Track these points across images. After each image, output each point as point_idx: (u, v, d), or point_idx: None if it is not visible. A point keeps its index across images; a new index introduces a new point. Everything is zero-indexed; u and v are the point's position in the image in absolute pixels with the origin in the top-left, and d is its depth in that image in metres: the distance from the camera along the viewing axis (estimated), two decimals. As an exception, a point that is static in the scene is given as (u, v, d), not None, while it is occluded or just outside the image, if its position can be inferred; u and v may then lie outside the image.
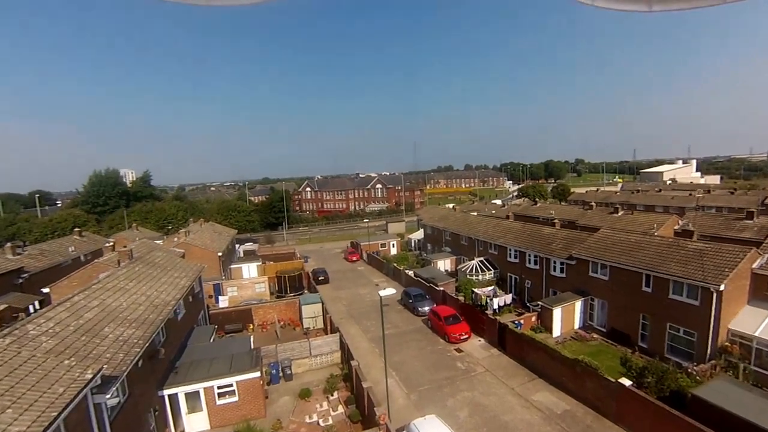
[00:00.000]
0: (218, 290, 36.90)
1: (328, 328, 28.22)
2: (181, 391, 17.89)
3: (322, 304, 30.30)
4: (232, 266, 46.14)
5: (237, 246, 60.81)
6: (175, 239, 43.84)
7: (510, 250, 37.50)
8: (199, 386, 18.06)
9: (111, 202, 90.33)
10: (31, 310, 23.74)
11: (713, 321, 20.15)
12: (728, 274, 20.01)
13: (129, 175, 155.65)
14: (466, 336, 27.40)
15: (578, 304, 28.90)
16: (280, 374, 22.63)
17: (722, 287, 19.69)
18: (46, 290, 27.48)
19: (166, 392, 17.61)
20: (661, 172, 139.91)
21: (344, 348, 23.62)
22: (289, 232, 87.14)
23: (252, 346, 22.00)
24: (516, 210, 65.63)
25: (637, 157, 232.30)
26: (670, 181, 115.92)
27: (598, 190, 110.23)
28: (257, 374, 18.79)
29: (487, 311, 29.86)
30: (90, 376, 10.93)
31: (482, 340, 27.60)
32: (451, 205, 76.47)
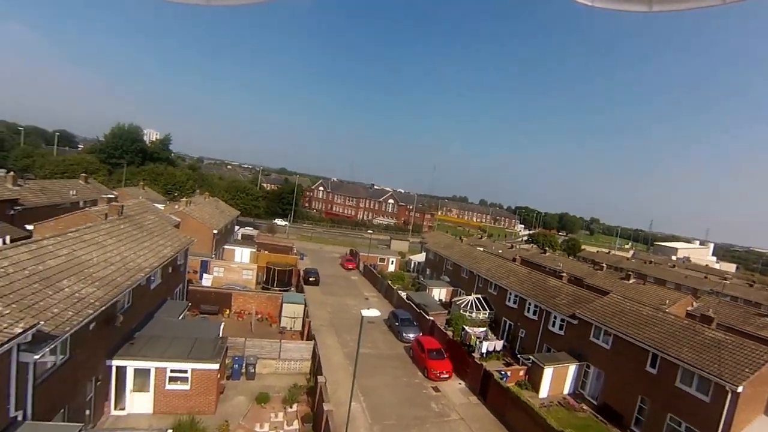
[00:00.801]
0: (205, 267, 35.56)
1: (305, 333, 26.56)
2: (130, 365, 16.39)
3: (305, 306, 28.69)
4: (225, 246, 44.93)
5: (237, 228, 59.76)
6: (176, 207, 42.86)
7: (510, 294, 35.68)
8: (151, 364, 16.55)
9: (127, 157, 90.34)
10: None
11: (723, 424, 18.06)
12: (749, 375, 18.00)
13: (152, 136, 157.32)
14: (447, 375, 25.47)
15: (572, 368, 26.89)
16: (243, 371, 20.99)
17: (740, 388, 17.67)
18: (30, 227, 26.41)
19: (115, 363, 16.13)
20: (676, 249, 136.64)
21: (316, 358, 21.93)
22: (293, 226, 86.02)
23: (220, 334, 20.46)
24: (524, 255, 63.59)
25: (653, 229, 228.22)
26: (683, 260, 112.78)
27: (609, 252, 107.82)
28: (215, 366, 17.22)
29: (474, 353, 28.00)
30: (19, 331, 9.53)
31: (463, 383, 25.63)
32: (454, 236, 74.90)
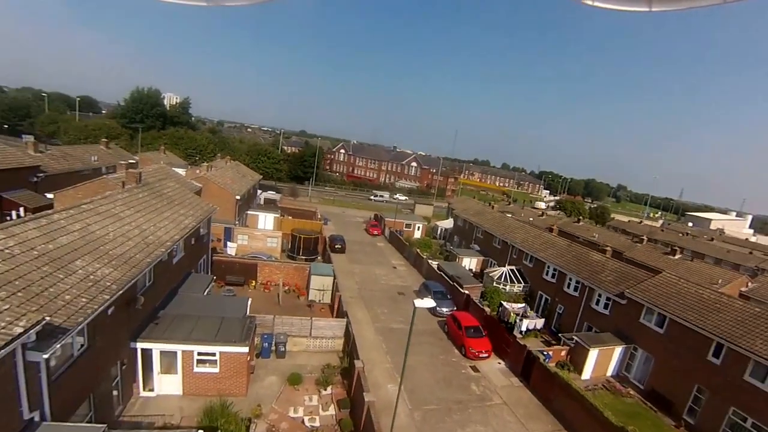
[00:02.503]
0: (228, 235, 34.50)
1: (336, 307, 25.33)
2: (156, 348, 15.32)
3: (334, 278, 27.30)
4: (248, 212, 43.79)
5: (259, 192, 58.56)
6: (197, 171, 41.53)
7: (549, 267, 33.42)
8: (177, 347, 15.45)
9: (147, 121, 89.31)
10: (14, 216, 21.52)
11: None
12: None
13: (172, 100, 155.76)
14: (486, 355, 24.00)
15: (618, 350, 25.03)
16: (272, 348, 19.94)
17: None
18: (50, 195, 25.42)
19: (140, 345, 15.07)
20: (710, 220, 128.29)
21: (350, 338, 20.62)
22: (315, 189, 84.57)
23: (247, 311, 19.23)
24: (555, 223, 60.43)
25: (683, 197, 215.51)
26: (719, 232, 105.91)
27: (641, 222, 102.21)
28: (245, 349, 16.01)
29: (513, 331, 26.34)
30: (19, 331, 8.07)
31: (503, 363, 24.16)
32: (482, 202, 71.83)
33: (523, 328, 26.76)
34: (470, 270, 41.95)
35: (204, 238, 24.79)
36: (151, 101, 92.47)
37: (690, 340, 21.48)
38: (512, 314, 26.94)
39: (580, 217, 65.45)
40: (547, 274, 33.59)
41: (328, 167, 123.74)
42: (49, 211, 14.02)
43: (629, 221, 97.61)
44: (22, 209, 22.89)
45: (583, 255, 32.93)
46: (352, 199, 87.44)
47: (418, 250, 42.60)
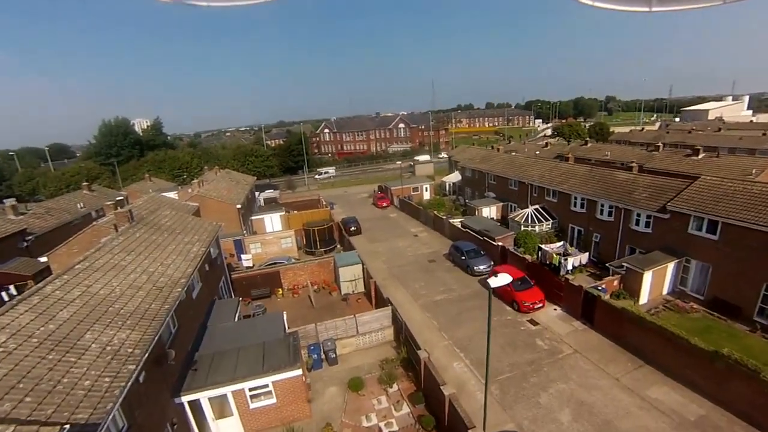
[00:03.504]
0: (240, 247, 32.80)
1: (373, 294, 23.85)
2: (203, 396, 13.91)
3: (363, 265, 25.70)
4: (252, 218, 41.88)
5: (257, 194, 56.41)
6: (189, 190, 39.40)
7: (575, 198, 31.50)
8: (225, 390, 14.03)
9: (124, 152, 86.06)
10: (5, 298, 19.75)
11: None
12: None
13: (143, 125, 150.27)
14: (541, 305, 22.61)
15: (671, 267, 23.49)
16: (323, 357, 18.62)
17: None
18: (43, 259, 23.61)
19: (185, 399, 13.65)
20: (707, 110, 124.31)
21: (400, 325, 19.22)
22: (310, 176, 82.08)
23: (286, 328, 17.76)
24: (563, 151, 57.97)
25: (674, 94, 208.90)
26: (718, 120, 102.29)
27: (642, 129, 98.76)
28: (298, 372, 14.58)
29: (560, 273, 24.84)
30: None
31: (558, 309, 22.82)
32: (483, 147, 69.04)
33: (569, 267, 25.25)
34: (492, 218, 40.28)
35: (217, 259, 23.07)
36: (122, 131, 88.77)
37: (750, 240, 19.78)
38: (555, 256, 25.33)
39: (587, 139, 62.57)
40: (575, 206, 31.75)
41: (316, 150, 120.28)
42: (40, 285, 12.21)
43: (630, 131, 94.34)
44: (12, 287, 21.07)
45: (608, 177, 30.93)
46: (350, 177, 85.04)
47: (434, 212, 40.80)
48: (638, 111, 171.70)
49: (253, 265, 30.29)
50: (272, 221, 42.15)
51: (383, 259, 32.42)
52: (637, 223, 26.17)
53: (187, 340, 15.83)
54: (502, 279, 10.86)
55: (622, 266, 23.84)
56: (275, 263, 28.79)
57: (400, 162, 63.39)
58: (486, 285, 10.88)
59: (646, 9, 4.20)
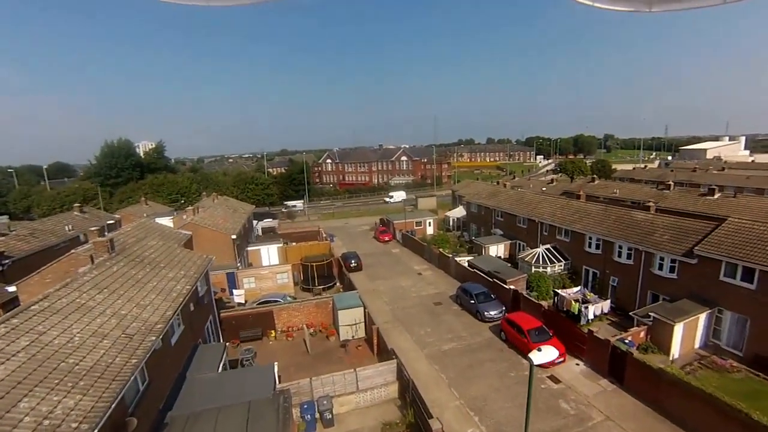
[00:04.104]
0: (232, 281, 30.58)
1: (375, 341, 21.48)
2: (170, 471, 11.45)
3: (364, 308, 23.46)
4: (248, 248, 39.86)
5: (255, 222, 54.60)
6: (184, 217, 37.56)
7: (590, 238, 29.78)
8: (198, 464, 11.57)
9: (124, 174, 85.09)
10: None
11: None
12: None
13: (146, 147, 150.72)
14: (562, 359, 20.28)
15: (702, 318, 21.42)
16: (317, 416, 16.13)
17: None
18: (11, 288, 21.38)
19: (148, 475, 11.18)
20: (705, 150, 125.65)
21: (406, 382, 16.84)
22: (310, 206, 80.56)
23: (277, 383, 15.40)
24: (569, 188, 56.91)
25: (669, 134, 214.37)
26: (716, 159, 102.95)
27: (645, 167, 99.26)
28: (287, 443, 12.16)
29: (581, 322, 22.66)
30: None
31: (581, 363, 20.45)
32: (489, 182, 67.95)
33: (591, 316, 23.08)
34: (499, 257, 38.32)
35: (205, 297, 20.88)
36: (124, 152, 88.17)
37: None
38: (574, 303, 23.18)
39: (594, 176, 61.65)
40: (589, 246, 29.98)
41: (318, 180, 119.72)
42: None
43: (634, 168, 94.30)
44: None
45: (624, 217, 29.37)
46: (350, 208, 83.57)
47: (439, 249, 38.85)
48: (636, 149, 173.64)
49: (246, 301, 27.99)
50: (269, 253, 40.10)
51: (385, 300, 30.11)
52: (661, 268, 24.35)
53: (160, 396, 13.47)
54: (546, 354, 8.86)
55: (649, 316, 21.74)
56: (269, 301, 26.52)
57: (401, 197, 61.61)
58: (528, 360, 8.82)
59: (646, 9, 4.25)
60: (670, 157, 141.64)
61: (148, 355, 11.82)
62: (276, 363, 16.68)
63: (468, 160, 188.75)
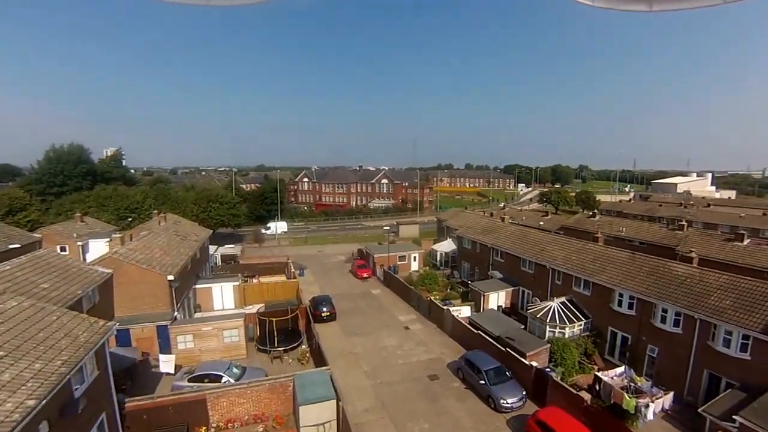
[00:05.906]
0: (165, 339, 22.98)
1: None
2: None
3: (338, 400, 16.48)
4: (197, 286, 32.21)
5: (213, 249, 46.68)
6: (117, 244, 29.57)
7: (620, 295, 24.28)
8: None
9: (71, 183, 75.00)
10: None
11: None
12: None
13: (107, 153, 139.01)
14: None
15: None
16: None
17: None
18: None
19: None
20: (675, 184, 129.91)
21: None
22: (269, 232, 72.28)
23: None
24: (567, 223, 52.25)
25: (636, 167, 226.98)
26: (685, 194, 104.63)
27: (630, 200, 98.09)
28: None
29: (634, 423, 16.49)
30: None
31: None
32: (467, 208, 62.86)
33: (650, 417, 16.95)
34: (499, 307, 32.28)
35: (92, 392, 13.44)
36: (74, 158, 78.15)
37: None
38: (627, 398, 17.01)
39: (595, 211, 57.56)
40: (618, 304, 24.44)
41: (293, 199, 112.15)
42: None
43: (621, 201, 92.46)
44: None
45: (662, 269, 24.08)
46: (326, 232, 76.46)
47: (429, 296, 32.42)
48: (609, 180, 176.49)
49: (175, 372, 20.45)
50: (222, 293, 32.62)
51: (365, 369, 23.13)
52: (726, 344, 18.81)
53: None
54: None
55: (733, 420, 15.85)
56: (206, 375, 19.13)
57: (387, 228, 55.32)
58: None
59: (646, 9, 4.38)
60: (644, 190, 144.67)
61: None
62: None
63: (448, 185, 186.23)
